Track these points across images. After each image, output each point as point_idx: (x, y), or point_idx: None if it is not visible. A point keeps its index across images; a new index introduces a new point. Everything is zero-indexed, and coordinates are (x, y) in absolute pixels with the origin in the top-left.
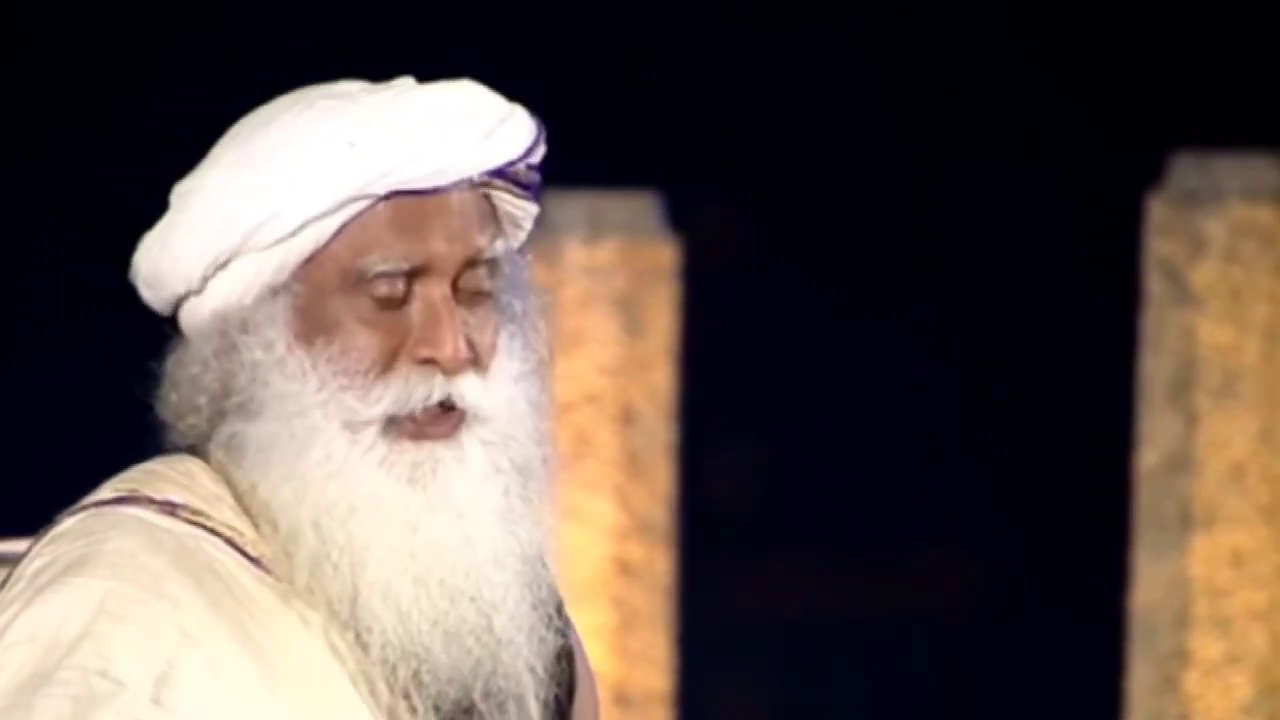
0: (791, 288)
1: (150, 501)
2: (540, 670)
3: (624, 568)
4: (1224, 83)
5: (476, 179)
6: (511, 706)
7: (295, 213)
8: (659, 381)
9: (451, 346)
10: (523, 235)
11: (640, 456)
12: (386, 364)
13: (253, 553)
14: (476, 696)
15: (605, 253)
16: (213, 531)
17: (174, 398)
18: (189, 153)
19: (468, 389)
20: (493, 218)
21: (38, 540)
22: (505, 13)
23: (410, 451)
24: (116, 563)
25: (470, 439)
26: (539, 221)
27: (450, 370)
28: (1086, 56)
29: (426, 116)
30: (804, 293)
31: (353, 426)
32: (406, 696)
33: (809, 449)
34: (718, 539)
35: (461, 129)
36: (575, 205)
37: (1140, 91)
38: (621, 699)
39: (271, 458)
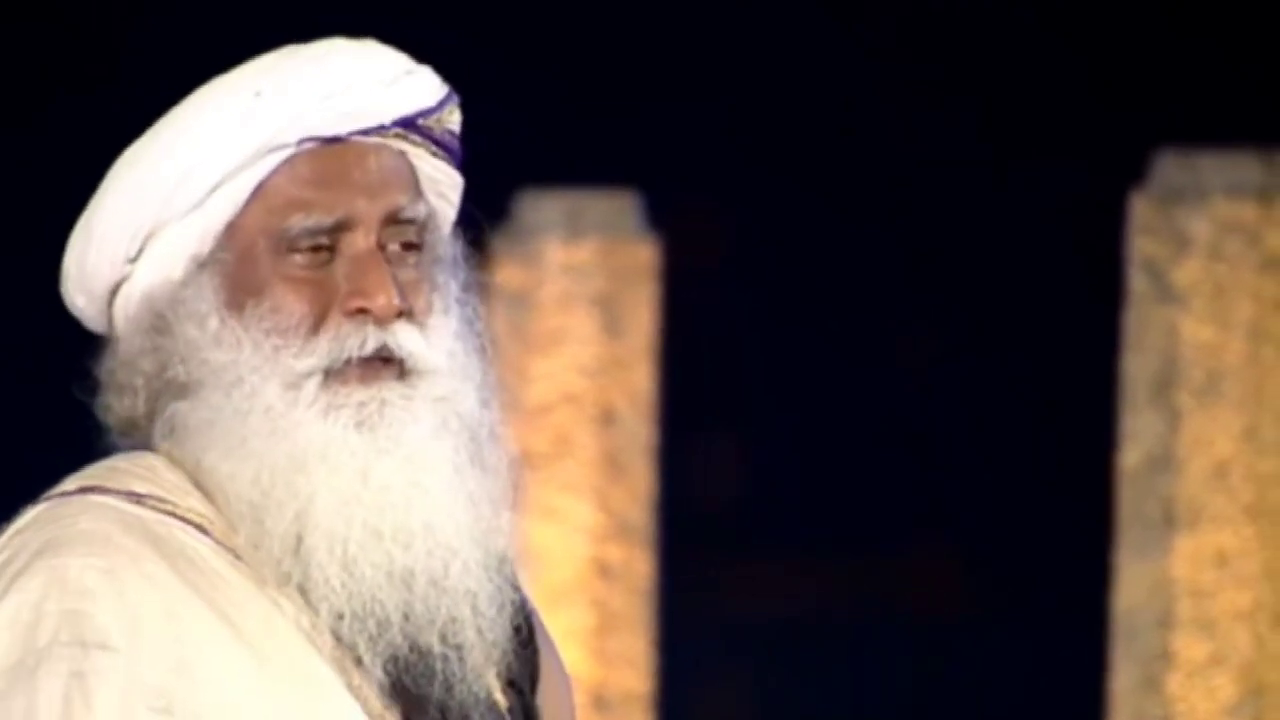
0: (772, 287)
1: (114, 492)
2: (497, 624)
3: (603, 569)
4: (1207, 80)
5: (389, 127)
6: (469, 655)
7: (208, 171)
8: (639, 382)
9: (382, 294)
10: (450, 211)
11: (620, 457)
12: (318, 320)
13: (225, 541)
14: (434, 640)
15: (584, 252)
16: (182, 519)
17: (111, 398)
18: None
19: (405, 338)
20: (412, 179)
21: None
22: (485, 12)
23: (357, 393)
24: (91, 541)
25: (416, 390)
26: (517, 221)
27: (382, 319)
28: (1069, 55)
29: (331, 65)
30: (785, 292)
31: (291, 384)
32: (359, 664)
33: (789, 449)
34: (698, 540)
35: (366, 74)
36: (554, 204)
37: (1123, 89)
38: (600, 702)
39: (214, 433)
